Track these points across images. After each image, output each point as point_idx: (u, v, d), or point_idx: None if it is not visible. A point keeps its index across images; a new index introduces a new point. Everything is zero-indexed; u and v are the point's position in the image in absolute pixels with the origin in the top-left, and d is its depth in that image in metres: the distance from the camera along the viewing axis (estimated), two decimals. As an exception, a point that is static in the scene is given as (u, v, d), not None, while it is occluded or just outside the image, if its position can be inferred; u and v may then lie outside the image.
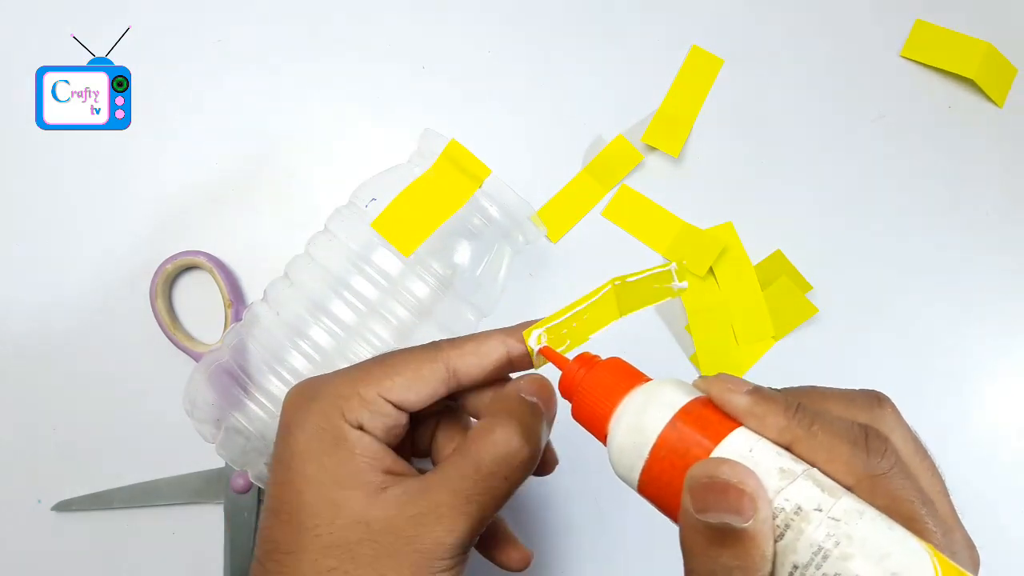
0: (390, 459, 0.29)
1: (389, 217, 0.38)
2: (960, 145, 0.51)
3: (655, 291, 0.30)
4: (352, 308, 0.38)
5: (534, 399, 0.29)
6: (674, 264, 0.30)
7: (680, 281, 0.30)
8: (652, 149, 0.49)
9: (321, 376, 0.30)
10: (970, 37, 0.50)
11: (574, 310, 0.29)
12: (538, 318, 0.30)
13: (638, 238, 0.49)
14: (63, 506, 0.45)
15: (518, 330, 0.30)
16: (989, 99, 0.50)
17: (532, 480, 0.32)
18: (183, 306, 0.47)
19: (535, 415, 0.29)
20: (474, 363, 0.29)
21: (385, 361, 0.30)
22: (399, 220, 0.38)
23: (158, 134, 0.48)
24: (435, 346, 0.30)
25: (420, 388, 0.29)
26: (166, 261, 0.46)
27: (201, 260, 0.46)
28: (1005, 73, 0.51)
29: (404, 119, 0.49)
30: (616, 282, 0.29)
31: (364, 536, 0.27)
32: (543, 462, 0.31)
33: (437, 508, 0.27)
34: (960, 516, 0.24)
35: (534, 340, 0.29)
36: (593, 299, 0.29)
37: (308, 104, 0.49)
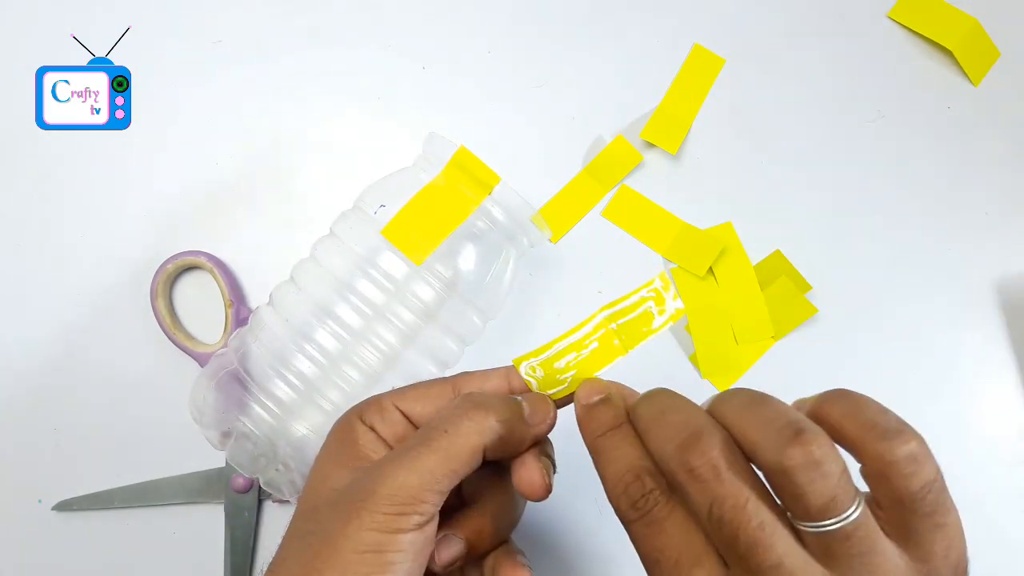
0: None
1: (399, 225, 0.38)
2: (960, 145, 0.51)
3: (648, 318, 0.31)
4: (358, 312, 0.38)
5: (519, 398, 0.31)
6: (658, 280, 0.31)
7: (673, 297, 0.31)
8: (652, 149, 0.49)
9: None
10: (958, 10, 0.51)
11: (565, 341, 0.31)
12: (534, 348, 0.32)
13: (638, 238, 0.49)
14: (63, 506, 0.45)
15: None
16: (965, 76, 0.51)
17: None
18: (184, 306, 0.47)
19: (511, 406, 0.30)
20: (476, 388, 0.32)
21: (409, 384, 0.33)
22: (409, 228, 0.38)
23: (158, 134, 0.48)
24: (452, 376, 0.33)
25: (426, 402, 0.32)
26: (167, 261, 0.46)
27: (202, 260, 0.46)
28: (986, 53, 0.51)
29: (404, 119, 0.49)
30: (605, 311, 0.30)
31: (329, 499, 0.29)
32: (525, 481, 0.31)
33: (383, 464, 0.29)
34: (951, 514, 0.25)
35: (526, 369, 0.32)
36: (585, 328, 0.31)
37: (308, 104, 0.49)
